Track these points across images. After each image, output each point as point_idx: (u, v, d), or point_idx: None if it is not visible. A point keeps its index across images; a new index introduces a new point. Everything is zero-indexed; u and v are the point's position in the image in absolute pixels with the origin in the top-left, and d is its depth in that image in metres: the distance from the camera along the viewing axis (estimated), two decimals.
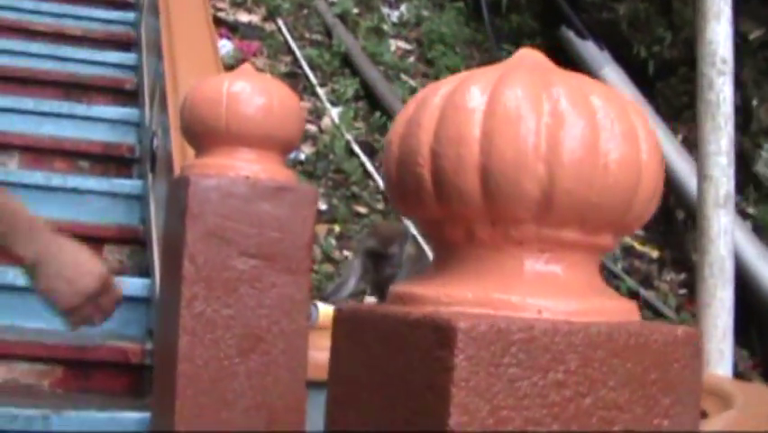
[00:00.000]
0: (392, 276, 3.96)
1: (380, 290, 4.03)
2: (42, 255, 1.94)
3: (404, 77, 7.56)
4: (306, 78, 7.19)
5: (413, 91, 7.37)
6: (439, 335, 1.34)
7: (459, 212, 1.46)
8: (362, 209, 6.03)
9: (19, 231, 1.89)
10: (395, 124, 1.54)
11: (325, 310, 4.00)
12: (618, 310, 1.47)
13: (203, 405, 3.44)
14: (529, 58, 1.57)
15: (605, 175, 1.43)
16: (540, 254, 1.48)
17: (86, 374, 4.38)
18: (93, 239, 4.91)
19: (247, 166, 3.68)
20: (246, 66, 3.68)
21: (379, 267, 3.99)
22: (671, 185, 6.58)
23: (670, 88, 7.45)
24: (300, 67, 7.31)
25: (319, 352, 3.75)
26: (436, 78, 7.68)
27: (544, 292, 1.44)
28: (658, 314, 6.13)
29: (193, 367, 3.45)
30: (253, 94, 3.48)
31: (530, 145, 1.40)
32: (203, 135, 3.49)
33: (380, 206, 6.05)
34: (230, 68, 6.94)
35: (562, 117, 1.42)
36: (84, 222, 5.19)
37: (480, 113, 1.43)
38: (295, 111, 3.75)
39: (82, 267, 2.05)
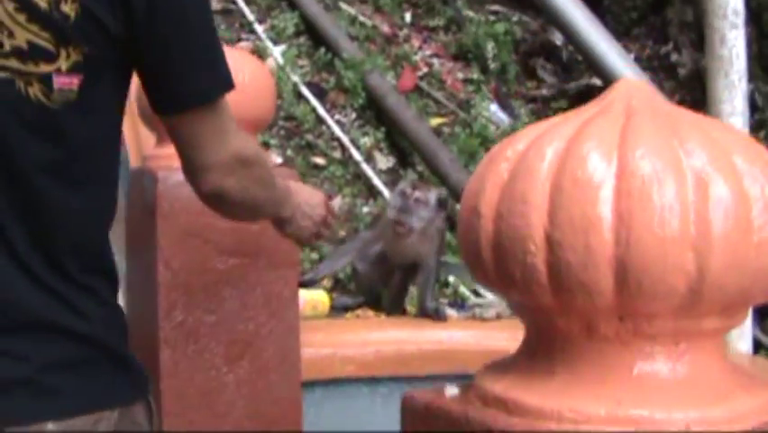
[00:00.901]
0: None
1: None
2: (294, 209, 2.24)
3: (343, 5, 7.18)
4: (242, 14, 6.78)
5: (353, 21, 7.01)
6: None
7: (580, 305, 1.19)
8: (320, 160, 5.71)
9: (286, 199, 2.18)
10: (482, 186, 1.25)
11: (308, 297, 3.71)
12: (762, 406, 1.23)
13: (192, 421, 3.16)
14: (638, 93, 1.30)
15: (758, 255, 1.17)
16: (674, 347, 1.21)
17: None
18: None
19: None
20: None
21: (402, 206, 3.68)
22: None
23: (618, 4, 7.19)
24: (234, 2, 6.88)
25: (306, 348, 3.50)
26: (375, 5, 7.32)
27: (685, 398, 1.19)
28: None
29: (178, 382, 3.16)
30: None
31: (676, 231, 1.13)
32: None
33: (338, 154, 5.75)
34: None
35: (707, 189, 1.15)
36: None
37: (609, 189, 1.15)
38: (267, 86, 3.41)
39: (313, 201, 2.33)
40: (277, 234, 2.40)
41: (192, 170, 1.81)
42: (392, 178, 5.69)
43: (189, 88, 1.72)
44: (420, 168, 5.74)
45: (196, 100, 1.73)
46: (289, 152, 5.58)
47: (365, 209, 5.34)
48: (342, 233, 5.11)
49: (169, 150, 2.87)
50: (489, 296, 3.81)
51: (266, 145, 5.52)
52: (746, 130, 3.45)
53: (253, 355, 3.24)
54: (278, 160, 5.49)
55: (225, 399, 3.21)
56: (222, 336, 3.20)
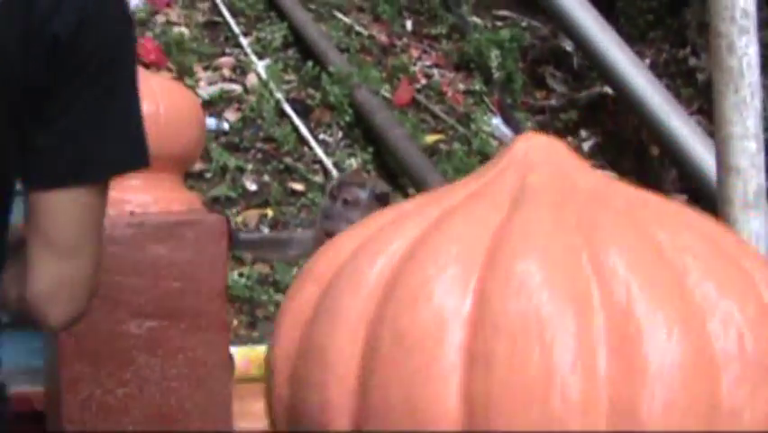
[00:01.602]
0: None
1: None
2: None
3: (337, 14, 6.72)
4: (228, 26, 6.33)
5: (348, 31, 6.55)
6: None
7: None
8: (298, 186, 5.22)
9: None
10: (279, 327, 0.78)
11: (244, 354, 3.22)
12: None
13: None
14: (542, 161, 0.84)
15: None
16: None
17: None
18: None
19: (132, 197, 2.88)
20: None
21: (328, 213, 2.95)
22: (641, 115, 5.79)
23: (633, 6, 6.65)
24: (220, 14, 6.44)
25: (242, 420, 3.03)
26: (374, 13, 6.86)
27: None
28: None
29: None
30: None
31: None
32: None
33: (319, 178, 5.27)
34: (142, 23, 6.07)
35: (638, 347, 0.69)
36: None
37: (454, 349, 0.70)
38: (190, 114, 2.94)
39: None
40: (203, 289, 2.01)
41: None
42: (379, 205, 5.19)
43: (94, 157, 1.48)
44: (411, 190, 5.25)
45: (97, 173, 1.49)
46: (266, 178, 5.11)
47: None
48: None
49: None
50: None
51: (240, 170, 5.06)
52: (762, 156, 2.91)
53: None
54: (253, 186, 5.02)
55: None
56: (137, 412, 2.73)
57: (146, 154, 1.54)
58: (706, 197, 5.44)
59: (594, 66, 6.24)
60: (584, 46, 6.18)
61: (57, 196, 1.47)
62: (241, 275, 4.38)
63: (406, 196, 5.25)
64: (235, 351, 3.22)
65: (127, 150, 1.53)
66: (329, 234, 2.83)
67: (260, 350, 3.30)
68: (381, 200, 2.97)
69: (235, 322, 4.12)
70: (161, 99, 2.77)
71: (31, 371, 3.15)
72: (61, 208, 1.47)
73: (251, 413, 3.00)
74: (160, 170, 2.84)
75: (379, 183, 3.24)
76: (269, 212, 4.92)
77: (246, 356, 3.21)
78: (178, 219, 2.76)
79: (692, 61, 6.42)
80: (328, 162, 5.25)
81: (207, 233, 2.77)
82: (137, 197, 2.78)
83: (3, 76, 1.43)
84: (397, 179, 5.37)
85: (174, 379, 2.77)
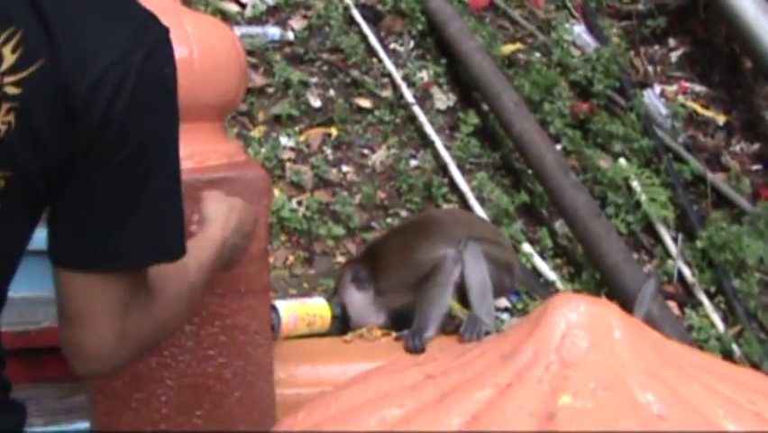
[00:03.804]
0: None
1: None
2: (225, 261, 2.04)
3: None
4: None
5: None
6: None
7: None
8: (365, 102, 4.97)
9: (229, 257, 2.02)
10: None
11: (292, 310, 3.02)
12: None
13: None
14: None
15: None
16: None
17: (39, 362, 3.48)
18: None
19: None
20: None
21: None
22: (734, 26, 5.40)
23: None
24: None
25: (285, 387, 2.84)
26: None
27: None
28: (730, 204, 5.09)
29: None
30: None
31: None
32: None
33: (388, 94, 4.99)
34: None
35: None
36: None
37: None
38: (228, 58, 2.69)
39: (242, 229, 2.10)
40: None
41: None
42: (451, 121, 4.93)
43: (109, 247, 1.41)
44: (485, 106, 4.96)
45: (109, 263, 1.42)
46: (331, 93, 4.85)
47: (413, 163, 4.61)
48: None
49: None
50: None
51: (304, 85, 4.81)
52: None
53: (213, 404, 2.61)
54: (317, 103, 4.77)
55: None
56: (172, 381, 2.57)
57: (177, 248, 1.47)
58: (756, 45, 5.09)
59: None
60: None
61: (69, 275, 1.43)
62: (299, 204, 4.17)
63: (478, 111, 4.98)
64: (282, 306, 3.03)
65: (155, 243, 1.44)
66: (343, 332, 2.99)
67: (310, 305, 3.11)
68: (356, 281, 3.03)
69: (291, 258, 3.93)
70: (195, 42, 2.52)
71: None
72: (71, 285, 1.44)
73: (295, 378, 2.83)
74: (196, 120, 2.61)
75: (349, 268, 3.10)
76: (334, 131, 4.68)
77: (294, 312, 3.01)
78: (213, 177, 2.53)
79: None
80: (397, 76, 4.97)
81: (247, 190, 2.56)
82: None
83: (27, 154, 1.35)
84: (470, 93, 5.08)
85: (211, 347, 2.60)
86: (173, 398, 2.58)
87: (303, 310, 3.07)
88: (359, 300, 3.04)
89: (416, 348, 2.86)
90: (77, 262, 1.42)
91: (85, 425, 2.79)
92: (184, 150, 2.59)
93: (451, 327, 3.02)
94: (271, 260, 3.82)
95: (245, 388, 2.63)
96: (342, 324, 3.03)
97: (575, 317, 0.74)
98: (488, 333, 2.98)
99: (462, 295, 3.04)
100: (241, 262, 2.32)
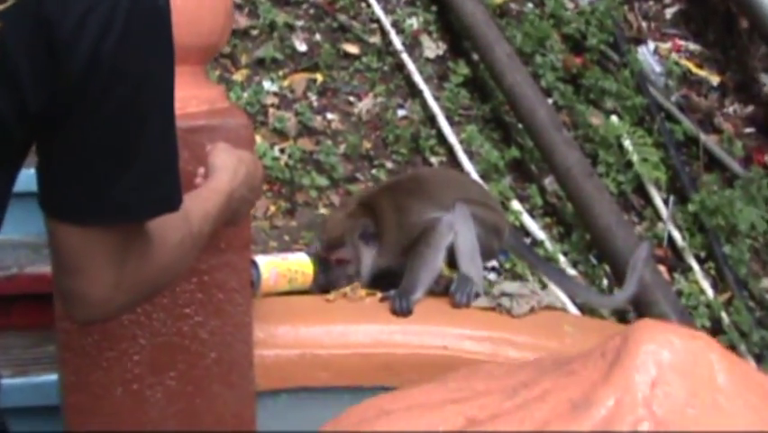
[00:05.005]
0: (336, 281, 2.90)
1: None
2: (235, 212, 1.99)
3: None
4: None
5: None
6: None
7: None
8: (352, 48, 4.80)
9: (227, 216, 1.90)
10: None
11: (273, 266, 2.88)
12: None
13: None
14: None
15: None
16: None
17: (6, 310, 3.33)
18: None
19: None
20: None
21: (327, 275, 2.93)
22: None
23: None
24: None
25: (264, 349, 2.68)
26: None
27: None
28: (722, 168, 4.96)
29: (88, 399, 2.42)
30: None
31: None
32: None
33: (376, 40, 4.81)
34: None
35: None
36: None
37: None
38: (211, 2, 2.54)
39: (251, 183, 2.04)
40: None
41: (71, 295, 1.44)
42: (440, 70, 4.76)
43: (108, 199, 1.34)
44: (475, 56, 4.80)
45: (109, 217, 1.36)
46: (317, 37, 4.67)
47: (400, 112, 4.45)
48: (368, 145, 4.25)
49: None
50: (520, 286, 2.94)
51: (289, 28, 4.63)
52: None
53: (188, 364, 2.48)
54: (303, 47, 4.60)
55: (151, 418, 2.46)
56: (145, 340, 2.43)
57: (177, 198, 1.39)
58: (752, 4, 4.95)
59: None
60: None
61: (64, 227, 1.36)
62: (282, 152, 4.01)
63: (468, 61, 4.81)
64: (262, 261, 2.88)
65: (155, 195, 1.36)
66: (326, 290, 2.87)
67: (292, 260, 2.96)
68: (365, 237, 2.91)
69: (272, 208, 3.78)
70: None
71: None
72: (67, 236, 1.37)
73: (274, 338, 2.70)
74: (178, 63, 2.45)
75: (359, 222, 2.93)
76: (319, 77, 4.51)
77: (275, 268, 2.87)
78: (193, 124, 2.38)
79: None
80: (386, 22, 4.79)
81: (229, 139, 2.40)
82: None
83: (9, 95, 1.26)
84: (461, 42, 4.91)
85: (187, 305, 2.46)
86: (146, 357, 2.45)
87: (284, 266, 2.93)
88: (367, 256, 2.90)
89: (402, 310, 2.74)
90: (74, 215, 1.35)
91: (54, 377, 2.65)
92: None
93: (437, 288, 2.90)
94: (251, 211, 3.67)
95: (222, 348, 2.50)
96: (327, 280, 2.90)
97: (668, 357, 0.58)
98: (477, 294, 2.87)
99: (450, 257, 2.92)
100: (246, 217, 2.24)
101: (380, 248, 2.90)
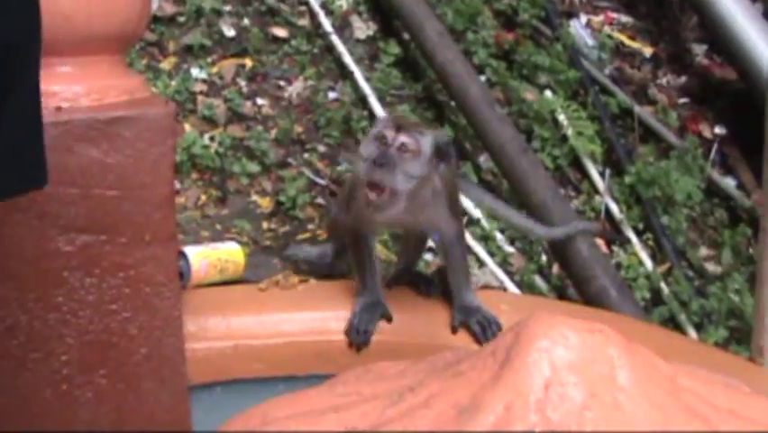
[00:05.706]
0: None
1: None
2: None
3: None
4: None
5: None
6: None
7: None
8: (281, 32, 4.73)
9: None
10: None
11: (203, 256, 2.83)
12: None
13: None
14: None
15: None
16: None
17: None
18: None
19: (59, 89, 2.39)
20: None
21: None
22: None
23: None
24: None
25: (196, 341, 2.63)
26: None
27: None
28: (657, 139, 4.97)
29: (15, 402, 2.35)
30: None
31: None
32: None
33: (305, 22, 4.75)
34: None
35: None
36: None
37: None
38: None
39: None
40: (146, 196, 1.92)
41: None
42: (371, 51, 4.71)
43: None
44: (406, 36, 4.75)
45: None
46: (245, 22, 4.60)
47: (331, 95, 4.40)
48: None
49: None
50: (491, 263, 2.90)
51: (217, 13, 4.56)
52: None
53: (118, 362, 2.43)
54: (231, 32, 4.53)
55: (82, 419, 2.40)
56: (73, 339, 2.37)
57: (42, 176, 1.32)
58: (727, 49, 4.96)
59: None
60: None
61: None
62: (212, 139, 3.94)
63: (399, 41, 4.77)
64: (192, 252, 2.83)
65: (20, 172, 1.28)
66: (372, 185, 2.45)
67: (222, 250, 2.91)
68: (442, 154, 2.56)
69: (203, 197, 3.71)
70: None
71: None
72: None
73: (206, 331, 2.65)
74: (93, 53, 2.39)
75: (440, 134, 2.70)
76: (248, 62, 4.44)
77: (205, 259, 2.82)
78: (112, 115, 2.32)
79: None
80: (315, 3, 4.73)
81: (149, 130, 2.35)
82: (66, 87, 2.35)
83: None
84: (391, 21, 4.86)
85: (114, 300, 2.40)
86: (74, 357, 2.38)
87: (215, 256, 2.88)
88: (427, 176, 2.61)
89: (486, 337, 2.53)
90: None
91: None
92: (81, 86, 2.37)
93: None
94: (182, 200, 3.61)
95: (152, 343, 2.44)
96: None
97: (563, 354, 0.54)
98: None
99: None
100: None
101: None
